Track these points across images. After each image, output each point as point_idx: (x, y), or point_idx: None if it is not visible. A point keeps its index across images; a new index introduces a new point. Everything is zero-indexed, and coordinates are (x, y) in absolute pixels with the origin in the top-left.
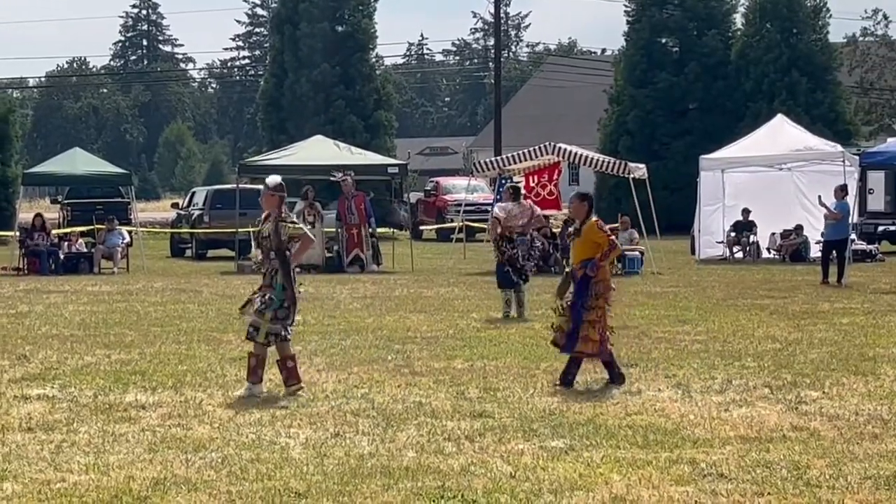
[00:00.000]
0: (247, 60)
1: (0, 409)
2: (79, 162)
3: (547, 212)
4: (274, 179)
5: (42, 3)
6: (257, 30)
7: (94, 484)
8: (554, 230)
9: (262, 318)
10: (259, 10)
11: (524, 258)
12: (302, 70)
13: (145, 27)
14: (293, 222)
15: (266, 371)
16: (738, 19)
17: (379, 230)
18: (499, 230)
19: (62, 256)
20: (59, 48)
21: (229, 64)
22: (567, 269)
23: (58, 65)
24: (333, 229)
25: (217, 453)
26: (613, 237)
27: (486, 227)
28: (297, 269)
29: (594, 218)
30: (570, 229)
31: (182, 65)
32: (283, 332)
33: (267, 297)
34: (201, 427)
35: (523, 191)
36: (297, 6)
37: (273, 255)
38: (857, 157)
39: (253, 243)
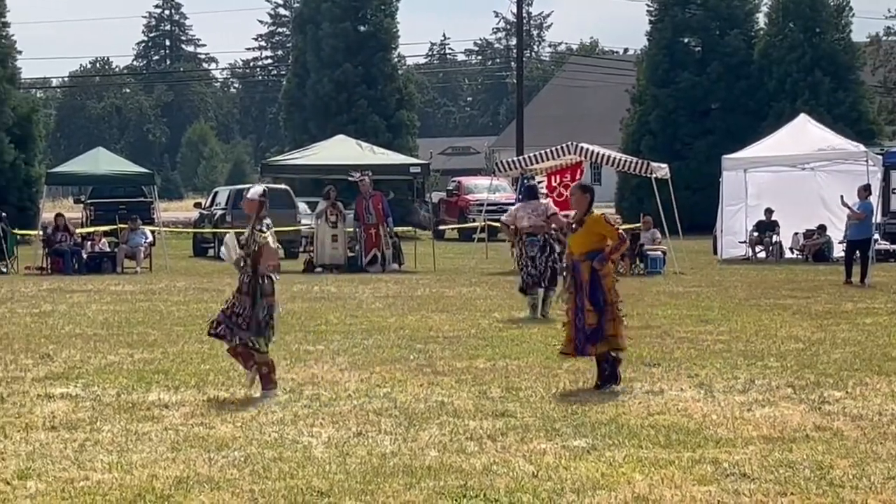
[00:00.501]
0: (269, 60)
1: (24, 407)
2: (102, 162)
3: (569, 212)
4: (257, 190)
5: (65, 3)
6: (280, 30)
7: (118, 482)
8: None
9: (257, 337)
10: (281, 10)
11: (540, 261)
12: (324, 70)
13: (168, 27)
14: (261, 230)
15: (287, 370)
16: (761, 19)
17: (400, 229)
18: (511, 230)
19: (85, 256)
20: (82, 48)
21: (252, 64)
22: (565, 264)
23: (81, 65)
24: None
25: (240, 452)
26: (622, 230)
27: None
28: (276, 276)
29: (598, 212)
30: (572, 222)
31: (205, 65)
32: (259, 341)
33: (247, 308)
34: (224, 426)
35: (544, 190)
36: (319, 6)
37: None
38: (880, 157)
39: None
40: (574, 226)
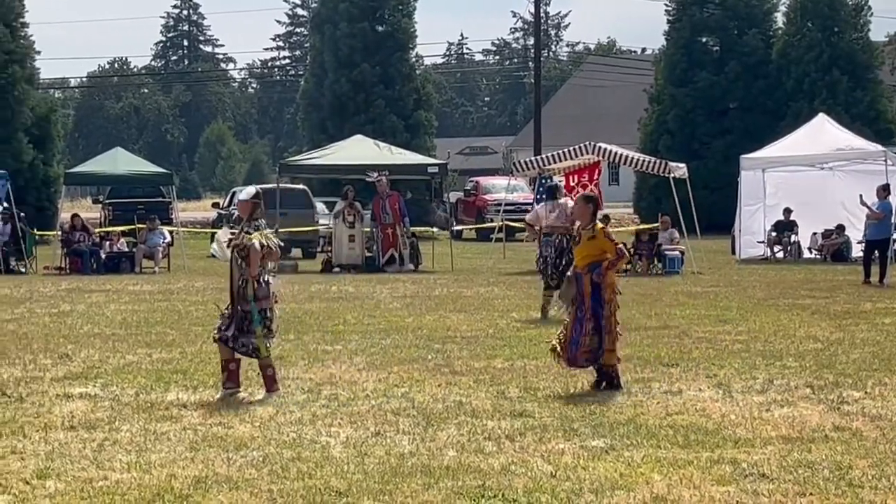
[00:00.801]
0: (287, 60)
1: (43, 407)
2: (120, 162)
3: None
4: (249, 191)
5: (83, 4)
6: (297, 30)
7: (136, 482)
8: None
9: (254, 336)
10: (299, 11)
11: (555, 262)
12: (342, 70)
13: (186, 27)
14: (248, 232)
15: (305, 370)
16: (779, 18)
17: (419, 230)
18: (534, 230)
19: (104, 256)
20: (100, 49)
21: (269, 64)
22: (569, 274)
23: (99, 65)
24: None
25: (258, 452)
26: (621, 245)
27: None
28: (270, 278)
29: (600, 225)
30: (574, 232)
31: (222, 65)
32: (257, 346)
33: (247, 312)
34: (242, 426)
35: (563, 190)
36: (337, 6)
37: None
38: None
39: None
40: (577, 237)
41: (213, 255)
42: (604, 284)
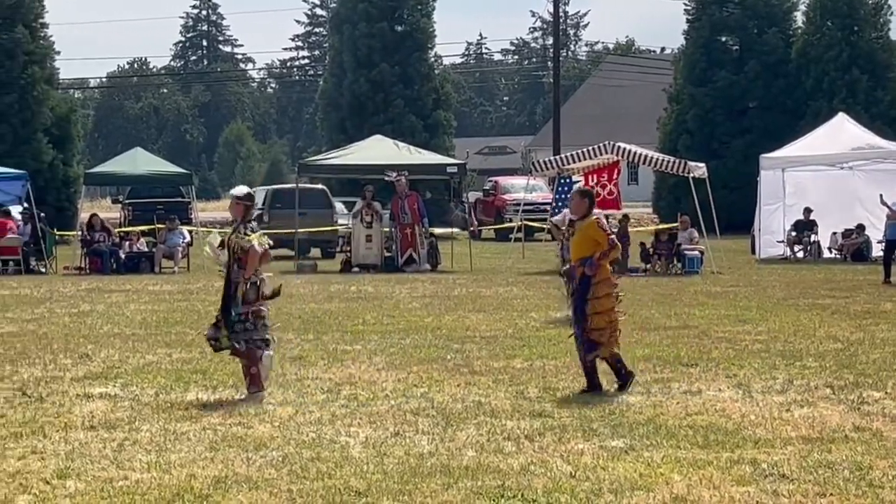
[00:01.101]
0: (306, 60)
1: (63, 407)
2: (140, 162)
3: (607, 211)
4: (241, 189)
5: (103, 4)
6: (316, 30)
7: (156, 482)
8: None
9: (219, 332)
10: (318, 11)
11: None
12: (361, 70)
13: (205, 28)
14: (245, 234)
15: (325, 370)
16: (799, 17)
17: (438, 230)
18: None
19: (123, 256)
20: (120, 49)
21: (288, 64)
22: (564, 268)
23: (119, 65)
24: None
25: (277, 452)
26: (613, 236)
27: (544, 226)
28: (263, 276)
29: (594, 216)
30: (569, 227)
31: (241, 65)
32: (251, 343)
33: (227, 311)
34: (262, 426)
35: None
36: (356, 6)
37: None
38: None
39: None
40: (571, 231)
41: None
42: (595, 278)
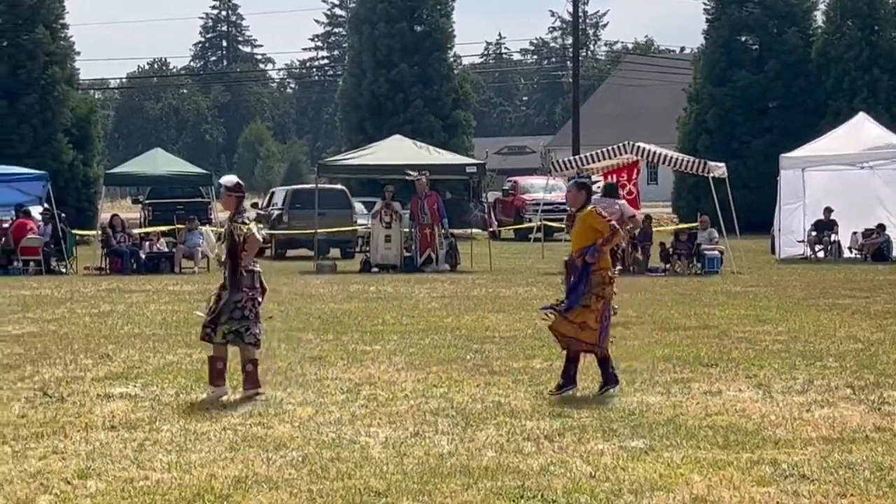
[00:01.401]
0: (325, 60)
1: (83, 407)
2: (160, 162)
3: (636, 211)
4: (230, 179)
5: (123, 5)
6: (336, 30)
7: (177, 482)
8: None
9: (216, 325)
10: (338, 11)
11: None
12: (380, 70)
13: (225, 28)
14: (243, 222)
15: (344, 371)
16: (819, 17)
17: (457, 230)
18: None
19: (143, 256)
20: (139, 49)
21: (308, 64)
22: (565, 259)
23: (139, 66)
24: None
25: (298, 452)
26: (614, 222)
27: (563, 226)
28: (256, 268)
29: (591, 206)
30: (568, 220)
31: (261, 65)
32: (244, 333)
33: (223, 299)
34: (282, 426)
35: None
36: (375, 6)
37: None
38: None
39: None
40: (570, 224)
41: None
42: (595, 266)
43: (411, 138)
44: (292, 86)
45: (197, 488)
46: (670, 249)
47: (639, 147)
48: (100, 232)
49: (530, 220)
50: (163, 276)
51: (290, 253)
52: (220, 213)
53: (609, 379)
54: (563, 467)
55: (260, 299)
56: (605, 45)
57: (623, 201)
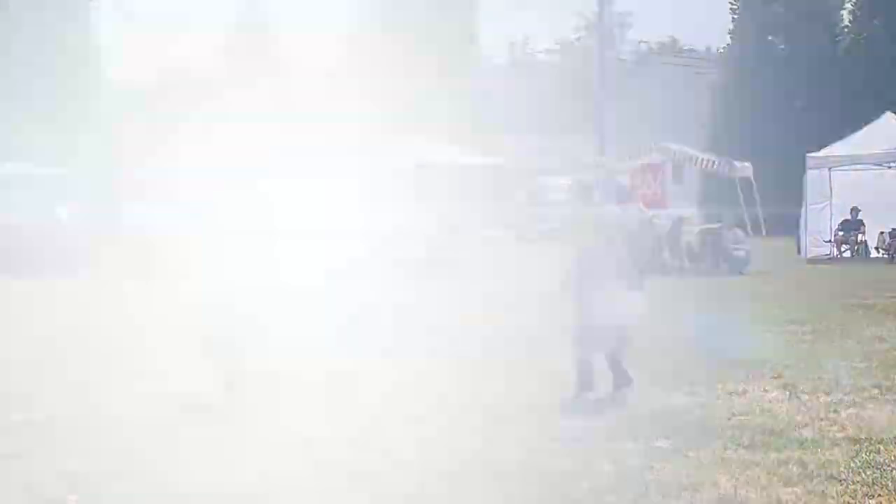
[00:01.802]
0: None
1: (121, 408)
2: None
3: (651, 211)
4: None
5: (152, 12)
6: None
7: (206, 483)
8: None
9: None
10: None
11: None
12: None
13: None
14: None
15: None
16: (845, 16)
17: None
18: None
19: None
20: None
21: None
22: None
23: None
24: None
25: (323, 452)
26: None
27: None
28: None
29: None
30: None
31: None
32: None
33: None
34: (307, 427)
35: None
36: None
37: None
38: None
39: None
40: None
41: None
42: None
43: None
44: None
45: (224, 489)
46: (696, 249)
47: (665, 147)
48: None
49: None
50: None
51: None
52: None
53: (621, 380)
54: (590, 467)
55: None
56: (631, 44)
57: (638, 204)
